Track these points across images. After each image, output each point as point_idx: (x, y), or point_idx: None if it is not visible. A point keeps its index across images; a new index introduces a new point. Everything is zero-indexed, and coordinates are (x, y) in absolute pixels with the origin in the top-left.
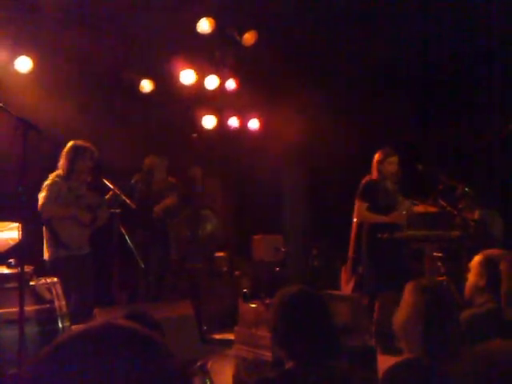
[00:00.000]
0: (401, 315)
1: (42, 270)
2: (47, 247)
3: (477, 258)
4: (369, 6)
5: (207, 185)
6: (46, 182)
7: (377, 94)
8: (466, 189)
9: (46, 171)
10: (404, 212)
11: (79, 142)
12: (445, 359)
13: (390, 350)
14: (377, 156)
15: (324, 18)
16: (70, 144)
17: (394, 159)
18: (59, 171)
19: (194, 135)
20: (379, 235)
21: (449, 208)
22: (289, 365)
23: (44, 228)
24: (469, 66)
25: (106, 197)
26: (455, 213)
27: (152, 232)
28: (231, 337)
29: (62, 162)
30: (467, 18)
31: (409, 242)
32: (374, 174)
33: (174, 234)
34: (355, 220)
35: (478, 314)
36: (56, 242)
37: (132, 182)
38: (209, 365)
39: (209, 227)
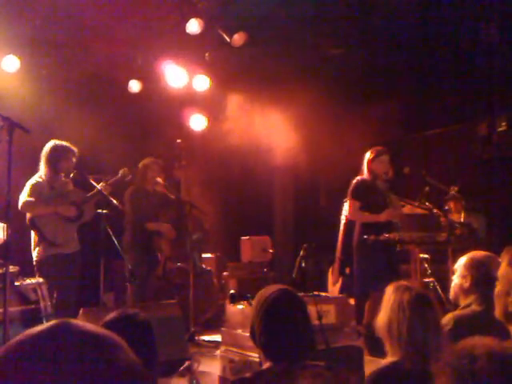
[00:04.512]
0: (383, 316)
1: (28, 270)
2: (34, 247)
3: (462, 260)
4: (359, 10)
5: (194, 186)
6: (28, 183)
7: (365, 97)
8: (453, 191)
9: (30, 171)
10: (397, 209)
11: (59, 142)
12: (428, 359)
13: (380, 351)
14: (368, 155)
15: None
16: (50, 144)
17: (385, 158)
18: (41, 172)
19: (178, 141)
20: (365, 237)
21: (435, 210)
22: (266, 365)
23: (30, 229)
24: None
25: (90, 194)
26: (441, 215)
27: (137, 233)
28: (218, 338)
29: (43, 163)
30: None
31: (395, 244)
32: (365, 173)
33: (160, 236)
34: (343, 222)
35: (463, 315)
36: (42, 241)
37: (119, 175)
38: (195, 366)
39: (196, 228)
